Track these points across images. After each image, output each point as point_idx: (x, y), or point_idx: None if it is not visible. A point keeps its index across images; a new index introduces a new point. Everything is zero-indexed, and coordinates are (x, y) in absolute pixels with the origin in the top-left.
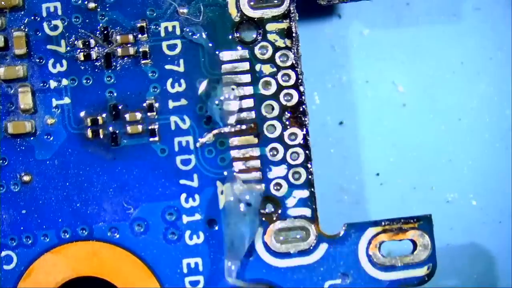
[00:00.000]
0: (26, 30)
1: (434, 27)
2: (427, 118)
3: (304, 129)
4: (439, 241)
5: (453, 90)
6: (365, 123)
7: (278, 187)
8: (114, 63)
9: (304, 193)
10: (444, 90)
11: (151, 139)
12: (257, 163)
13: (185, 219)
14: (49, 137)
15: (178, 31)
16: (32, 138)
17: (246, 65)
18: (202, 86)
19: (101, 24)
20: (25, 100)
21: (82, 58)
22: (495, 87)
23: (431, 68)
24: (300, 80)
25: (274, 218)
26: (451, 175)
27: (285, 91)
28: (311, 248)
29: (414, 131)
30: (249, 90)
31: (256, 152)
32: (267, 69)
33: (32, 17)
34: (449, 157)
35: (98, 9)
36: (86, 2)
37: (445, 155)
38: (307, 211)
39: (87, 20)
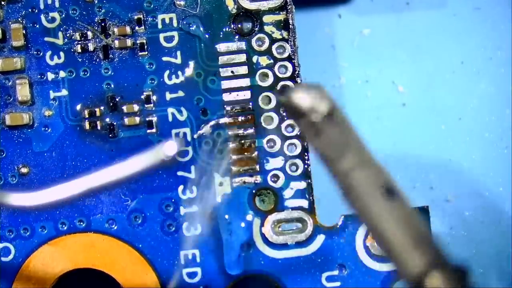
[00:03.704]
0: (24, 22)
1: (434, 27)
2: (427, 118)
3: None
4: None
5: (453, 90)
6: (365, 123)
7: (275, 179)
8: (112, 55)
9: (301, 185)
10: (444, 89)
11: (148, 130)
12: (254, 154)
13: (183, 210)
14: (46, 129)
15: (175, 23)
16: (29, 130)
17: (243, 57)
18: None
19: (98, 16)
20: (23, 92)
21: (80, 50)
22: (495, 86)
23: (431, 68)
24: (297, 72)
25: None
26: (451, 175)
27: (282, 82)
28: (309, 239)
29: (414, 131)
30: (246, 81)
31: (253, 143)
32: (264, 60)
33: (30, 9)
34: (449, 157)
35: (96, 1)
36: None
37: (445, 155)
38: (304, 203)
39: (84, 12)
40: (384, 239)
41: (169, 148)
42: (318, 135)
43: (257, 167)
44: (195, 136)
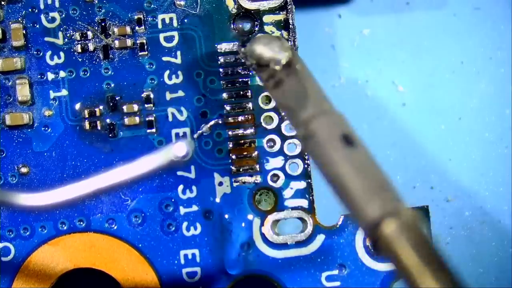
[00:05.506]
0: (24, 22)
1: (434, 27)
2: (427, 118)
3: None
4: (439, 241)
5: (453, 90)
6: (365, 123)
7: (275, 179)
8: (112, 55)
9: (301, 184)
10: (444, 89)
11: (148, 130)
12: (254, 154)
13: (182, 210)
14: (46, 129)
15: (175, 23)
16: (29, 130)
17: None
18: None
19: (98, 16)
20: (23, 92)
21: (80, 50)
22: (495, 86)
23: (431, 68)
24: None
25: None
26: (451, 175)
27: None
28: (308, 239)
29: (414, 131)
30: (246, 81)
31: (253, 143)
32: None
33: (30, 9)
34: (449, 157)
35: (96, 1)
36: None
37: (445, 155)
38: (304, 202)
39: (84, 12)
40: (342, 186)
41: (178, 149)
42: (278, 85)
43: (257, 167)
44: (195, 136)
